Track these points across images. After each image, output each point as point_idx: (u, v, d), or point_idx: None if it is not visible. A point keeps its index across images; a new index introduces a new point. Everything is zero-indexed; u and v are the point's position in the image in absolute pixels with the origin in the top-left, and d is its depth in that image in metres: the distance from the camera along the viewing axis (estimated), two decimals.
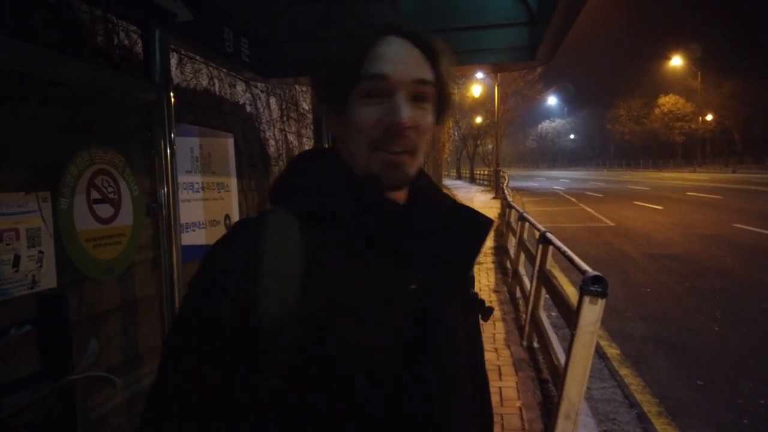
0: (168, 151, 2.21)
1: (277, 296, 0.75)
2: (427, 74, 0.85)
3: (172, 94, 2.25)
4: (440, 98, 0.89)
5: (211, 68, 3.17)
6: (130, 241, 2.14)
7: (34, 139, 1.70)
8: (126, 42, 2.35)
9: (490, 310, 1.06)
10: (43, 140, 1.74)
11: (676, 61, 63.31)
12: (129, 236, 2.13)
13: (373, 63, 0.82)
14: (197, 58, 3.01)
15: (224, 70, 3.31)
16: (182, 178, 2.62)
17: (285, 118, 4.48)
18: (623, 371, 4.58)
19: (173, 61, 2.74)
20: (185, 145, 2.74)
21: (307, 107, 4.92)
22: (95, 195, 1.91)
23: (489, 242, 11.22)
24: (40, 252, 1.63)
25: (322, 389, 0.76)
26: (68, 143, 1.84)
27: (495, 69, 3.34)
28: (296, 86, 4.73)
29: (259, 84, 3.89)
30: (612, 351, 5.05)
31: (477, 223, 0.98)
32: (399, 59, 0.83)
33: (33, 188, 1.63)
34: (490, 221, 1.00)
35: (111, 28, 2.25)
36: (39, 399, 1.57)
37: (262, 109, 3.98)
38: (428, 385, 0.83)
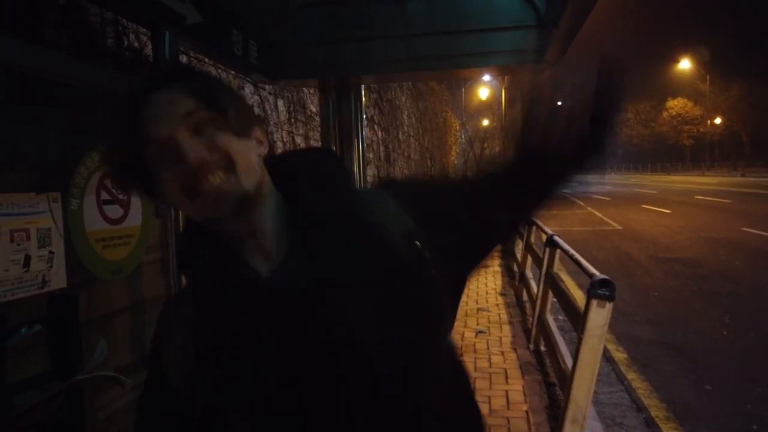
0: None
1: (172, 360, 0.91)
2: (188, 105, 0.82)
3: None
4: (222, 113, 0.85)
5: (219, 70, 3.19)
6: (139, 242, 2.16)
7: (44, 140, 1.72)
8: (136, 44, 2.37)
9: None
10: (53, 141, 1.75)
11: (685, 64, 63.06)
12: (138, 237, 2.14)
13: (141, 129, 0.81)
14: (206, 60, 3.02)
15: (233, 72, 3.33)
16: None
17: (293, 121, 4.49)
18: (630, 375, 4.56)
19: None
20: None
21: (314, 109, 4.93)
22: (105, 196, 1.92)
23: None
24: (51, 252, 1.64)
25: None
26: (78, 144, 1.85)
27: (502, 71, 3.34)
28: (304, 89, 4.75)
29: (267, 86, 3.91)
30: (619, 355, 5.03)
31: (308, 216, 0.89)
32: (159, 113, 0.82)
33: (44, 189, 1.64)
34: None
35: (121, 30, 2.27)
36: (48, 398, 1.58)
37: (270, 112, 4.00)
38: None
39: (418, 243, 0.91)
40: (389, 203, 0.94)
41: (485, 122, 40.83)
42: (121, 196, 2.02)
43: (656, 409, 3.93)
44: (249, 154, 0.86)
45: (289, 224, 0.89)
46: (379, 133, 7.88)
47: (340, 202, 0.90)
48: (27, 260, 1.55)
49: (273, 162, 0.94)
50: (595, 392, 3.54)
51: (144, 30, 2.36)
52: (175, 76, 0.87)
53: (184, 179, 0.80)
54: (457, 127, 27.46)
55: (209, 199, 0.81)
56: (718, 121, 63.29)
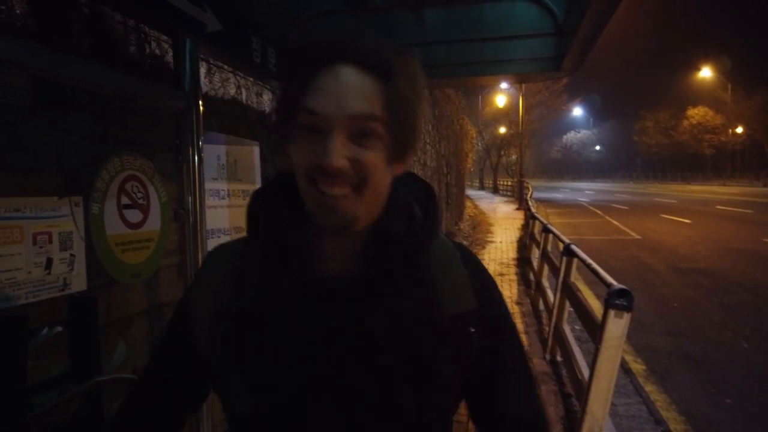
0: (196, 158, 2.25)
1: (203, 323, 0.89)
2: (371, 108, 0.76)
3: (200, 102, 2.29)
4: (396, 132, 0.79)
5: (238, 77, 3.23)
6: (158, 246, 2.18)
7: (68, 145, 1.75)
8: (157, 51, 2.41)
9: None
10: (76, 146, 1.79)
11: (705, 73, 62.31)
12: (156, 241, 2.17)
13: (309, 96, 0.76)
14: (225, 67, 3.06)
15: (251, 79, 3.36)
16: (209, 185, 2.66)
17: None
18: (649, 387, 4.49)
19: (202, 71, 2.79)
20: (212, 153, 2.79)
21: None
22: (125, 200, 1.95)
23: (512, 254, 11.12)
24: (72, 255, 1.67)
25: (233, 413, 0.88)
26: (100, 149, 1.89)
27: (520, 79, 3.35)
28: None
29: None
30: (637, 366, 4.96)
31: (398, 253, 0.86)
32: (336, 93, 0.75)
33: (66, 193, 1.67)
34: (415, 245, 0.88)
35: (143, 37, 2.31)
36: (67, 399, 1.61)
37: None
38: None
39: (473, 330, 0.89)
40: (462, 273, 0.92)
41: (502, 130, 40.71)
42: (140, 201, 2.05)
43: (675, 422, 3.87)
44: (384, 181, 0.82)
45: (366, 242, 0.85)
46: None
47: (411, 250, 0.87)
48: (49, 263, 1.58)
49: None
50: (613, 404, 3.50)
51: (165, 38, 2.40)
52: (378, 59, 0.77)
53: (313, 169, 0.77)
54: (474, 135, 27.41)
55: (324, 204, 0.78)
56: (739, 130, 62.37)
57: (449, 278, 0.90)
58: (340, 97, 0.75)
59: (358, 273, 0.84)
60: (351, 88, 0.75)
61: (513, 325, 0.99)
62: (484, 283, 0.95)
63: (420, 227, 0.89)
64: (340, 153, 0.75)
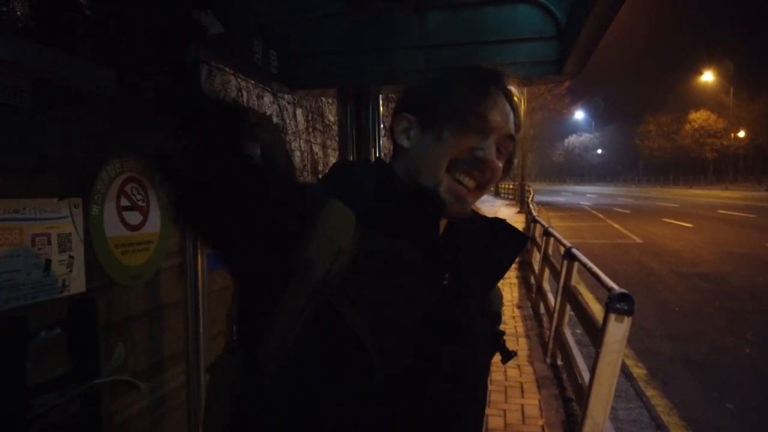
0: None
1: (322, 253, 0.80)
2: (517, 129, 0.97)
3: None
4: (510, 156, 0.99)
5: (239, 79, 3.23)
6: (158, 248, 2.18)
7: (68, 146, 1.75)
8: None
9: (512, 353, 1.07)
10: (77, 148, 1.79)
11: (708, 77, 62.29)
12: (156, 243, 2.16)
13: (486, 107, 0.92)
14: (226, 69, 3.06)
15: (252, 81, 3.37)
16: None
17: (311, 130, 4.52)
18: (650, 392, 4.48)
19: (203, 73, 2.80)
20: None
21: (332, 119, 4.97)
22: (125, 202, 1.95)
23: None
24: (71, 257, 1.67)
25: (335, 361, 0.79)
26: (101, 151, 1.89)
27: (522, 83, 3.36)
28: (322, 98, 4.78)
29: (286, 95, 3.95)
30: (638, 371, 4.95)
31: (513, 237, 1.06)
32: (505, 113, 0.95)
33: (66, 194, 1.67)
34: (525, 237, 1.09)
35: None
36: (66, 401, 1.60)
37: (288, 121, 4.03)
38: (444, 385, 0.87)
39: (499, 329, 1.09)
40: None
41: None
42: (140, 203, 2.05)
43: (676, 428, 3.85)
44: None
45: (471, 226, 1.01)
46: None
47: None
48: (48, 264, 1.58)
49: None
50: (613, 408, 3.49)
51: None
52: (517, 106, 0.99)
53: (466, 159, 0.91)
54: None
55: (454, 192, 0.91)
56: (742, 134, 62.30)
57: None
58: (507, 117, 0.95)
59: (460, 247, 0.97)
60: (510, 113, 0.96)
61: None
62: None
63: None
64: (497, 159, 0.94)
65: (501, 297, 1.16)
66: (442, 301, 0.90)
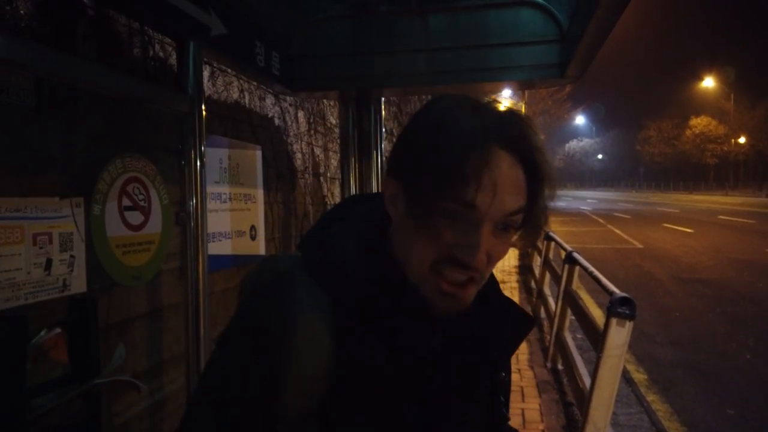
0: (198, 161, 2.25)
1: (298, 393, 0.69)
2: (522, 202, 0.72)
3: (203, 105, 2.29)
4: (528, 224, 0.76)
5: (242, 81, 3.23)
6: (159, 249, 2.18)
7: (70, 146, 1.75)
8: (161, 54, 2.41)
9: (504, 417, 0.97)
10: (79, 148, 1.79)
11: (708, 83, 62.39)
12: (157, 244, 2.16)
13: (467, 186, 0.68)
14: (229, 71, 3.07)
15: (255, 83, 3.37)
16: (210, 189, 2.66)
17: (312, 132, 4.53)
18: (651, 397, 4.46)
19: (206, 74, 2.80)
20: (215, 156, 2.79)
21: (334, 121, 4.97)
22: (126, 202, 1.95)
23: (513, 261, 11.10)
24: (72, 256, 1.66)
25: None
26: (103, 151, 1.89)
27: (524, 86, 3.35)
28: (324, 100, 4.79)
29: (288, 97, 3.95)
30: (639, 376, 4.93)
31: (519, 325, 0.89)
32: (499, 189, 0.69)
33: (68, 194, 1.67)
34: (531, 321, 0.91)
35: (147, 40, 2.31)
36: (66, 401, 1.60)
37: (290, 123, 4.04)
38: None
39: (504, 374, 0.97)
40: None
41: None
42: (142, 203, 2.04)
43: None
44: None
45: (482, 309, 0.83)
46: None
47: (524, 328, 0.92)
48: (49, 264, 1.58)
49: None
50: (614, 413, 3.47)
51: (169, 40, 2.40)
52: (536, 159, 0.72)
53: (446, 256, 0.71)
54: None
55: (443, 293, 0.73)
56: (742, 140, 62.36)
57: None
58: (504, 193, 0.70)
59: (469, 335, 0.81)
60: (511, 184, 0.70)
61: None
62: None
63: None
64: (486, 249, 0.71)
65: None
66: (437, 405, 0.77)
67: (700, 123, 68.97)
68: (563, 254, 5.16)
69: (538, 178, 0.73)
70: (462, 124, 0.71)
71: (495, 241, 0.72)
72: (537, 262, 8.09)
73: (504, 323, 0.85)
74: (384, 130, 3.71)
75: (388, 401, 0.73)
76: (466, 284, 0.73)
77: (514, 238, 0.76)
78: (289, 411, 0.69)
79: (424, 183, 0.70)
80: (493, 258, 0.73)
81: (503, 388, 0.95)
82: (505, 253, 0.76)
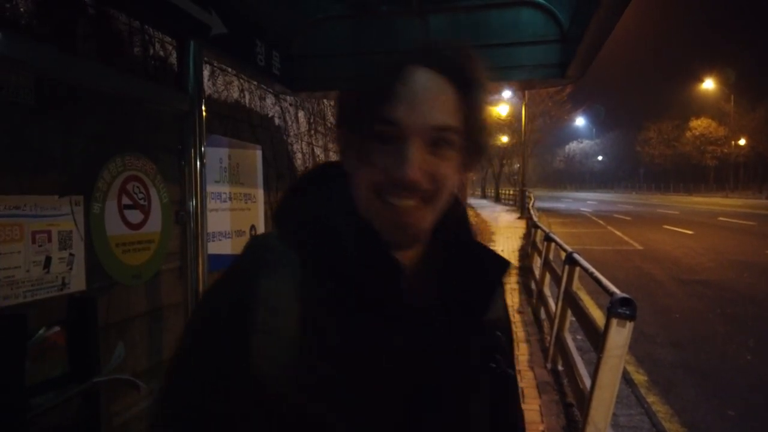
0: (198, 160, 2.24)
1: (267, 351, 0.71)
2: (451, 119, 0.73)
3: (204, 105, 2.29)
4: (470, 142, 0.77)
5: (242, 81, 3.23)
6: (158, 248, 2.17)
7: (70, 145, 1.75)
8: (161, 53, 2.41)
9: (509, 375, 0.91)
10: (79, 146, 1.78)
11: (708, 84, 62.42)
12: (157, 243, 2.15)
13: (387, 103, 0.72)
14: (229, 70, 3.06)
15: (255, 82, 3.36)
16: (210, 188, 2.65)
17: (312, 132, 4.52)
18: (651, 398, 4.45)
19: (206, 73, 2.80)
20: (215, 156, 2.78)
21: (334, 121, 4.97)
22: (126, 201, 1.94)
23: (514, 262, 11.09)
24: (71, 255, 1.66)
25: None
26: (103, 150, 1.88)
27: (524, 86, 3.35)
28: (324, 100, 4.78)
29: (288, 97, 3.95)
30: (639, 377, 4.92)
31: (494, 268, 0.87)
32: (417, 101, 0.72)
33: (67, 192, 1.66)
34: (505, 264, 0.88)
35: (147, 39, 2.31)
36: (65, 400, 1.59)
37: (290, 122, 4.03)
38: None
39: (500, 334, 0.90)
40: (501, 298, 0.94)
41: (504, 139, 40.73)
42: (141, 202, 2.04)
43: None
44: (450, 193, 0.78)
45: (427, 259, 0.83)
46: None
47: (500, 270, 0.89)
48: (48, 262, 1.57)
49: None
50: (614, 414, 3.47)
51: (170, 39, 2.40)
52: (460, 68, 0.75)
53: (384, 179, 0.72)
54: None
55: (393, 217, 0.73)
56: (742, 142, 62.38)
57: (499, 305, 0.92)
58: (424, 105, 0.72)
59: (443, 288, 0.81)
60: (433, 95, 0.73)
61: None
62: (504, 291, 0.96)
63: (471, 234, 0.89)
64: (417, 164, 0.72)
65: (506, 320, 0.95)
66: (415, 350, 0.76)
67: (700, 124, 68.99)
68: (563, 255, 5.16)
69: (468, 93, 0.75)
70: (381, 58, 0.78)
71: (432, 159, 0.73)
72: (537, 263, 8.09)
73: (478, 268, 0.85)
74: None
75: (359, 358, 0.73)
76: (416, 208, 0.73)
77: (458, 160, 0.76)
78: (257, 369, 0.70)
79: (352, 113, 0.76)
80: (437, 178, 0.74)
81: (499, 346, 0.89)
82: (450, 174, 0.75)
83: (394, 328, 0.75)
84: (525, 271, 9.60)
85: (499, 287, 0.90)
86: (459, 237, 0.86)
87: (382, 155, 0.72)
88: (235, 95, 3.16)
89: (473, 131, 0.77)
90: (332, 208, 0.79)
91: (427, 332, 0.77)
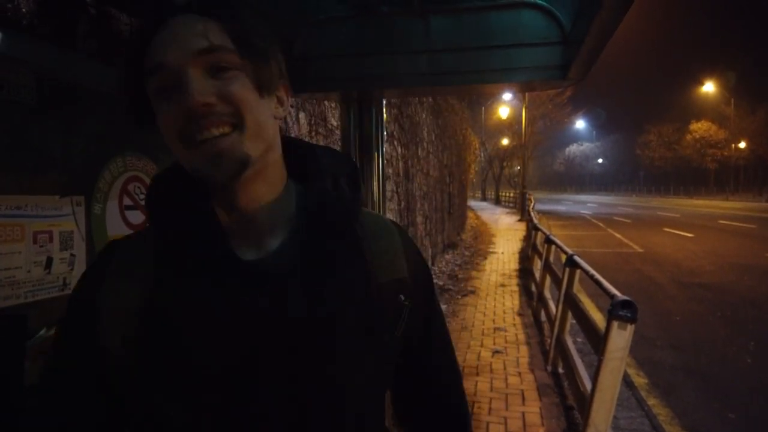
0: None
1: (113, 323, 0.76)
2: (215, 39, 0.72)
3: None
4: (253, 62, 0.75)
5: None
6: None
7: (71, 145, 1.74)
8: None
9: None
10: (79, 146, 1.78)
11: (709, 87, 62.47)
12: None
13: (149, 56, 0.73)
14: None
15: None
16: None
17: (313, 134, 4.52)
18: (651, 401, 4.45)
19: None
20: None
21: (335, 123, 4.97)
22: (127, 201, 1.94)
23: (514, 265, 11.08)
24: (72, 255, 1.66)
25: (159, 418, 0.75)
26: (104, 149, 1.88)
27: (525, 88, 3.36)
28: (325, 102, 4.79)
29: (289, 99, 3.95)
30: (640, 380, 4.92)
31: (332, 211, 0.84)
32: (174, 39, 0.72)
33: (68, 192, 1.66)
34: (354, 202, 0.87)
35: None
36: None
37: (291, 124, 4.03)
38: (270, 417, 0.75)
39: (403, 297, 0.87)
40: (395, 240, 0.91)
41: (505, 141, 40.75)
42: (143, 203, 2.04)
43: None
44: (263, 115, 0.77)
45: (286, 211, 0.83)
46: (399, 149, 7.90)
47: (350, 214, 0.87)
48: (49, 262, 1.57)
49: (288, 140, 0.89)
50: (615, 417, 3.46)
51: None
52: (208, 4, 0.75)
53: (183, 122, 0.72)
54: (477, 146, 27.43)
55: (207, 153, 0.72)
56: (742, 145, 62.40)
57: (380, 245, 0.89)
58: (180, 39, 0.72)
59: (289, 245, 0.80)
60: (188, 31, 0.72)
61: (437, 299, 1.01)
62: (414, 252, 0.94)
63: (348, 191, 0.87)
64: (200, 88, 0.71)
65: (410, 260, 0.91)
66: (262, 320, 0.75)
67: (700, 127, 69.04)
68: (564, 258, 5.16)
69: (228, 19, 0.74)
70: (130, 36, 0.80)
71: (217, 82, 0.73)
72: (537, 265, 8.08)
73: (321, 215, 0.82)
74: (385, 132, 3.71)
75: (196, 329, 0.74)
76: (224, 136, 0.73)
77: (249, 81, 0.75)
78: (106, 339, 0.75)
79: (131, 90, 0.77)
80: (231, 98, 0.73)
81: (397, 311, 0.86)
82: (244, 93, 0.74)
83: (226, 284, 0.75)
84: (525, 273, 9.59)
85: (381, 240, 0.89)
86: (314, 185, 0.85)
87: (170, 102, 0.72)
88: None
89: (249, 50, 0.75)
90: (168, 178, 0.84)
91: (278, 291, 0.76)
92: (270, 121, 0.79)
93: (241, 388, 0.74)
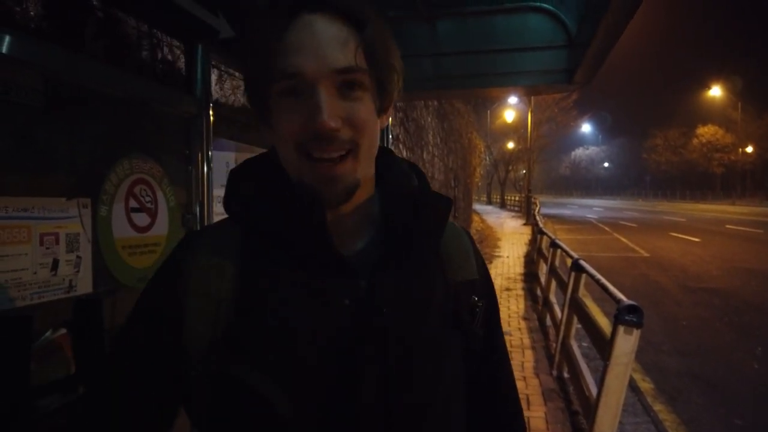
0: (205, 164, 2.25)
1: (202, 316, 0.74)
2: (353, 58, 0.71)
3: (211, 108, 2.30)
4: (379, 82, 0.75)
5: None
6: (165, 251, 2.17)
7: (78, 147, 1.75)
8: (169, 56, 2.42)
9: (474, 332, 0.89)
10: (86, 148, 1.79)
11: (715, 92, 62.25)
12: (164, 246, 2.16)
13: (284, 57, 0.69)
14: (237, 74, 3.07)
15: None
16: (217, 192, 2.66)
17: None
18: (657, 407, 4.42)
19: (213, 77, 2.80)
20: (221, 159, 2.79)
21: None
22: (133, 203, 1.95)
23: (519, 269, 11.04)
24: (78, 257, 1.66)
25: (244, 416, 0.72)
26: (111, 152, 1.89)
27: (531, 92, 3.36)
28: None
29: None
30: (646, 385, 4.89)
31: (432, 212, 0.85)
32: (314, 47, 0.69)
33: (75, 194, 1.67)
34: (448, 201, 0.88)
35: (155, 42, 2.32)
36: (71, 402, 1.59)
37: None
38: (371, 414, 0.74)
39: (476, 298, 0.89)
40: (465, 242, 0.93)
41: (510, 145, 40.69)
42: (148, 205, 2.04)
43: None
44: (375, 135, 0.77)
45: (372, 210, 0.83)
46: (404, 152, 7.91)
47: (443, 216, 0.88)
48: (55, 264, 1.57)
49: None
50: (621, 422, 3.44)
51: (178, 43, 2.41)
52: (350, 6, 0.72)
53: (306, 137, 0.71)
54: (482, 149, 27.39)
55: (322, 173, 0.72)
56: (749, 149, 62.13)
57: (453, 246, 0.90)
58: (321, 49, 0.69)
59: (377, 241, 0.81)
60: (329, 38, 0.70)
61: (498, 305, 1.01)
62: (480, 255, 0.96)
63: (428, 190, 0.89)
64: (332, 111, 0.70)
65: (472, 263, 0.92)
66: (357, 311, 0.75)
67: (707, 132, 68.75)
68: (569, 262, 5.14)
69: (364, 30, 0.72)
70: (257, 17, 0.74)
71: (346, 104, 0.72)
72: (543, 269, 8.06)
73: (416, 217, 0.82)
74: (391, 135, 3.71)
75: (298, 320, 0.74)
76: (342, 160, 0.73)
77: (372, 102, 0.75)
78: (193, 335, 0.73)
79: (254, 81, 0.75)
80: (355, 123, 0.72)
81: (468, 307, 0.88)
82: (367, 117, 0.74)
83: (327, 282, 0.75)
84: (531, 277, 9.56)
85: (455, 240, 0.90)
86: (401, 189, 0.85)
87: (294, 112, 0.71)
88: (243, 99, 3.17)
89: (380, 69, 0.75)
90: (263, 177, 0.81)
91: (370, 286, 0.77)
92: (378, 137, 0.79)
93: (343, 382, 0.73)
